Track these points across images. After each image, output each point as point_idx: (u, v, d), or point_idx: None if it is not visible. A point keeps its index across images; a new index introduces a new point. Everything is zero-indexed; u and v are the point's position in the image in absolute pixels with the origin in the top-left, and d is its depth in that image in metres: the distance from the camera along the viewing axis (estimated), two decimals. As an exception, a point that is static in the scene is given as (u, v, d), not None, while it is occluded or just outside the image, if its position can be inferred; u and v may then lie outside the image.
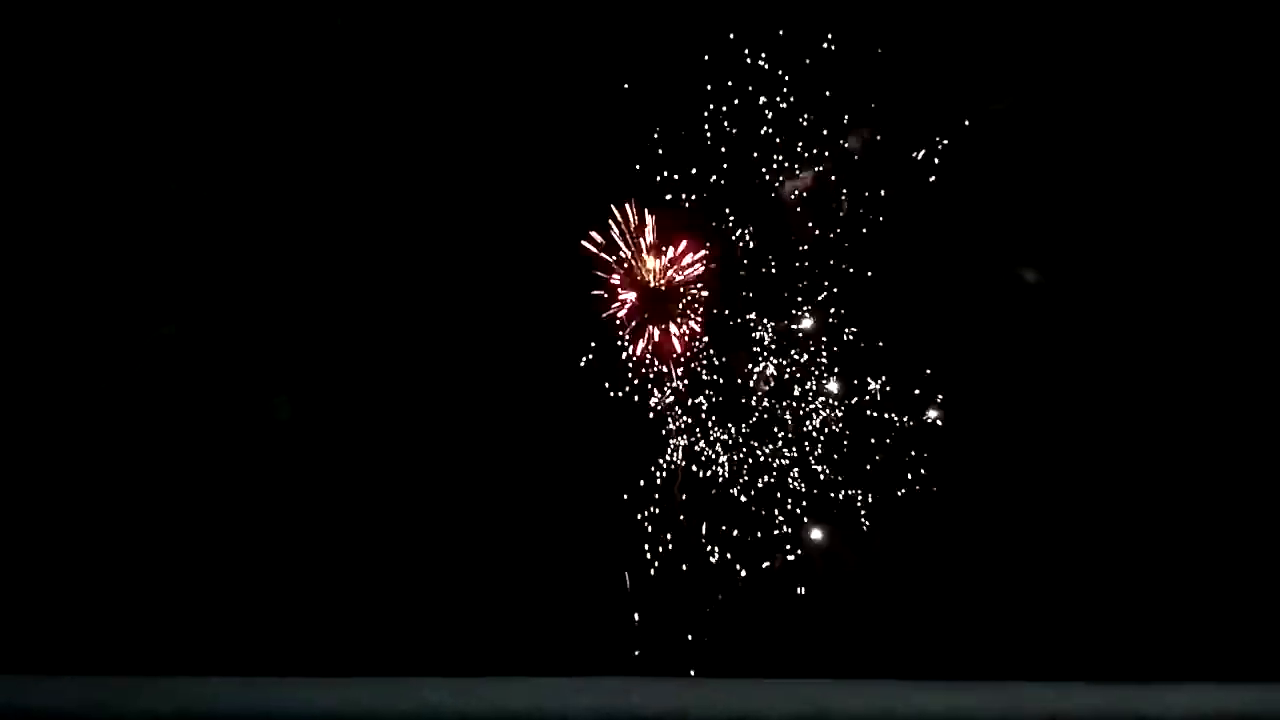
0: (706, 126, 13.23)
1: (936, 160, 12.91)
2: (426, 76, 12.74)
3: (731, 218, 13.43)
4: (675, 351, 13.43)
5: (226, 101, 12.40)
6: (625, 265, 13.44)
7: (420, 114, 12.74)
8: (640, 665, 11.78)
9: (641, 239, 13.47)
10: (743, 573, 12.59)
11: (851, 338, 13.12)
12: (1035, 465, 12.60)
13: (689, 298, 13.54)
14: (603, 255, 13.42)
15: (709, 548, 12.70)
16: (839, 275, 13.17)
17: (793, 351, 13.25)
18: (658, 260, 13.48)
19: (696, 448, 13.06)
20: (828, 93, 13.09)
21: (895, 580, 12.30)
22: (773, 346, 13.30)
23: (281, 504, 11.63)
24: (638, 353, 13.34)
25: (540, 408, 12.67)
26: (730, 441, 13.08)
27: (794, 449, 13.07)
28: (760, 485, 13.00)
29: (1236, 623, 11.49)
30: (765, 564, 12.66)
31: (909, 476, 12.75)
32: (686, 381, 13.19)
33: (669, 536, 12.69)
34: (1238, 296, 12.56)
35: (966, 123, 12.92)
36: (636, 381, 13.21)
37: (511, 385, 12.66)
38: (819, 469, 12.99)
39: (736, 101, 13.18)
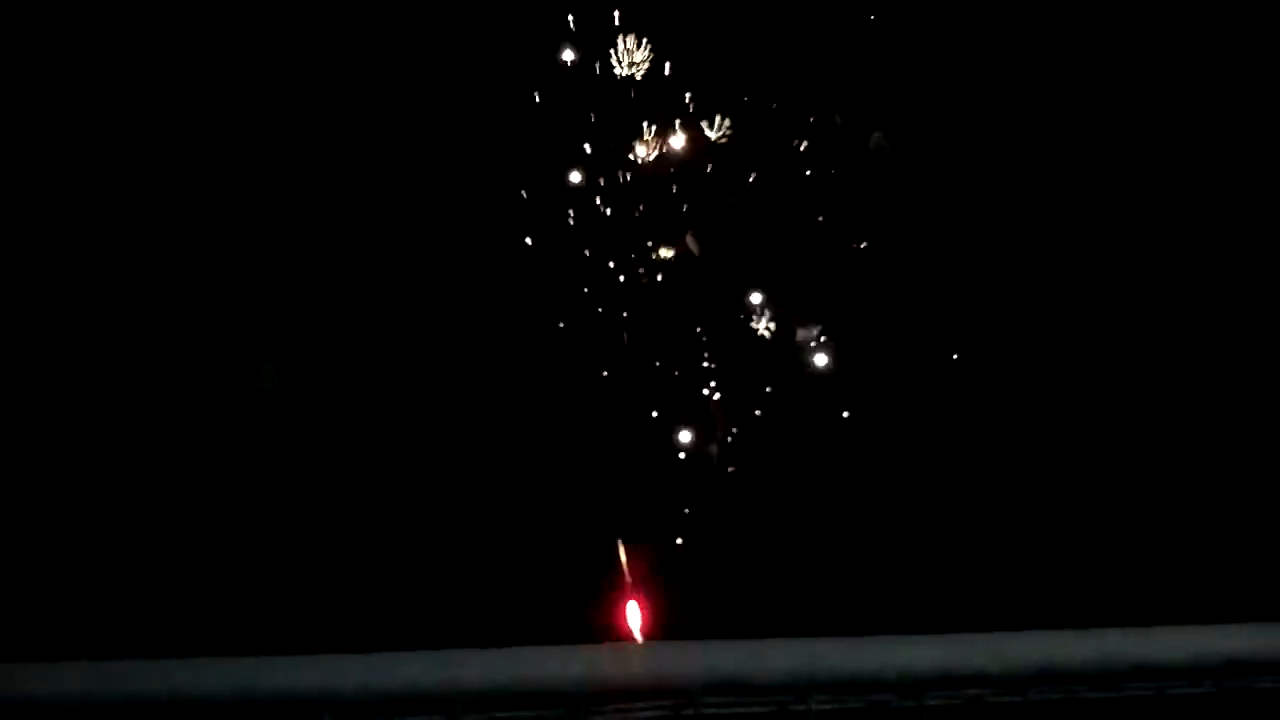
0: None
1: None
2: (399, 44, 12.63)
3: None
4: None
5: (207, 68, 12.29)
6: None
7: (396, 77, 12.64)
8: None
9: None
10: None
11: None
12: (1023, 407, 12.59)
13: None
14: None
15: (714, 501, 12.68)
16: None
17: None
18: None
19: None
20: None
21: (886, 531, 12.31)
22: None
23: (266, 478, 11.53)
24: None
25: (529, 376, 12.61)
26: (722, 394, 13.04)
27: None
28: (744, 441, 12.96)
29: (1232, 562, 11.49)
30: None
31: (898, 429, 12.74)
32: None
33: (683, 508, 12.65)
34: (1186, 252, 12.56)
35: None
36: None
37: (500, 353, 12.60)
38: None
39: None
